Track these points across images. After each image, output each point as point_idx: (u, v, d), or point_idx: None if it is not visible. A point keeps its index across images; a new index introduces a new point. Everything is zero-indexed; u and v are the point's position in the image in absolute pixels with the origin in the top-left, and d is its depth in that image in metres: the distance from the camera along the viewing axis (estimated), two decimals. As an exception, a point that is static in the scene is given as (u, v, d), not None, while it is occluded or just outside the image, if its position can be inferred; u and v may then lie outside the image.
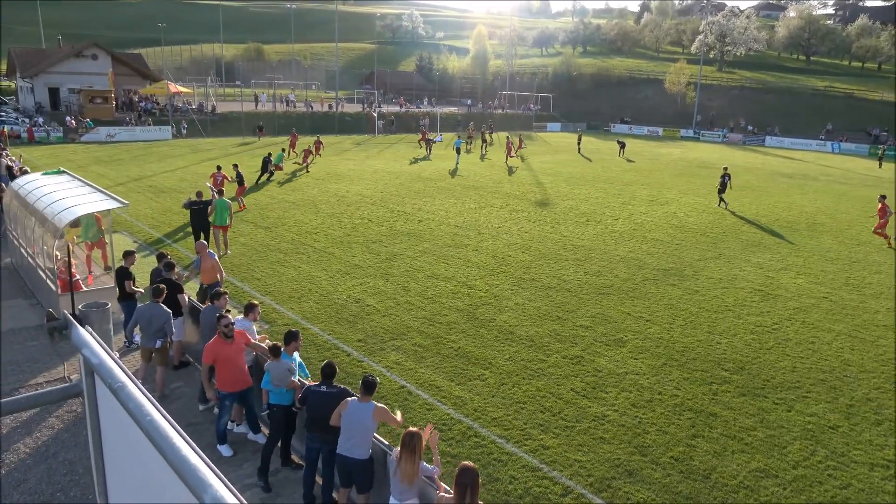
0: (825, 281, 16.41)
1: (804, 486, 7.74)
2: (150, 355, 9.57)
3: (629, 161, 43.72)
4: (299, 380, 7.70)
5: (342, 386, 7.03)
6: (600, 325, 12.76)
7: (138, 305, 10.21)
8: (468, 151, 45.90)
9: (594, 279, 15.73)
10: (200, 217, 16.25)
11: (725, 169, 27.10)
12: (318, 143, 37.82)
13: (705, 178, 35.68)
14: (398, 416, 6.73)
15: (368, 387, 6.52)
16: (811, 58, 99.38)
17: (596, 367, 10.82)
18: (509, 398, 9.67)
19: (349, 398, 6.60)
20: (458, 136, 41.14)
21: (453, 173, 33.67)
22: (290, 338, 7.83)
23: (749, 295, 14.99)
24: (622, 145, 47.44)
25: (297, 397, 7.40)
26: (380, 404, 6.53)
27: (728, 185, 26.38)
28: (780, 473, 7.99)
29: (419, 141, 41.40)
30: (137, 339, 11.52)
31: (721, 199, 26.45)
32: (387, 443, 6.66)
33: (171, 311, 9.59)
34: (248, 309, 8.81)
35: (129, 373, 2.00)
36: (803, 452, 8.47)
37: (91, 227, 14.78)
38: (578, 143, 50.13)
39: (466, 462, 5.37)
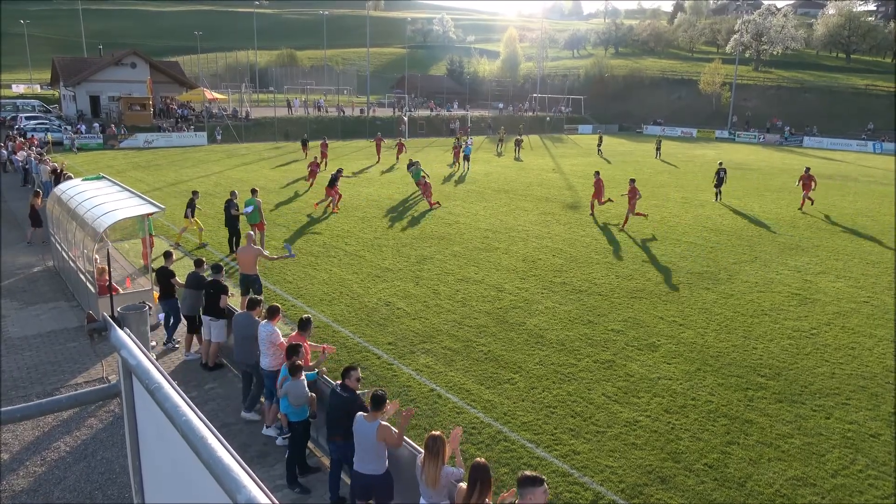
0: (866, 285, 15.96)
1: (843, 496, 7.54)
2: None
3: (675, 166, 43.10)
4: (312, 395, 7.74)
5: (358, 392, 7.03)
6: (632, 329, 12.61)
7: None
8: (499, 154, 45.82)
9: (626, 283, 15.56)
10: (226, 215, 17.31)
11: (720, 164, 29.11)
12: (324, 146, 35.94)
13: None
14: (398, 433, 6.51)
15: (376, 402, 6.38)
16: (851, 56, 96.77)
17: (628, 372, 10.69)
18: (539, 402, 9.62)
19: (359, 413, 6.60)
20: (469, 144, 37.65)
21: (459, 181, 32.20)
22: (292, 351, 7.73)
23: (786, 299, 14.65)
24: (659, 146, 46.94)
25: (314, 409, 7.69)
26: (384, 423, 6.39)
27: (724, 179, 27.82)
28: (818, 482, 7.80)
29: (375, 148, 37.30)
30: (175, 341, 11.78)
31: (717, 193, 27.79)
32: (416, 445, 6.68)
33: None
34: (272, 312, 8.63)
35: (166, 374, 2.05)
36: (843, 461, 8.25)
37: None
38: (599, 145, 49.28)
39: (479, 459, 5.42)
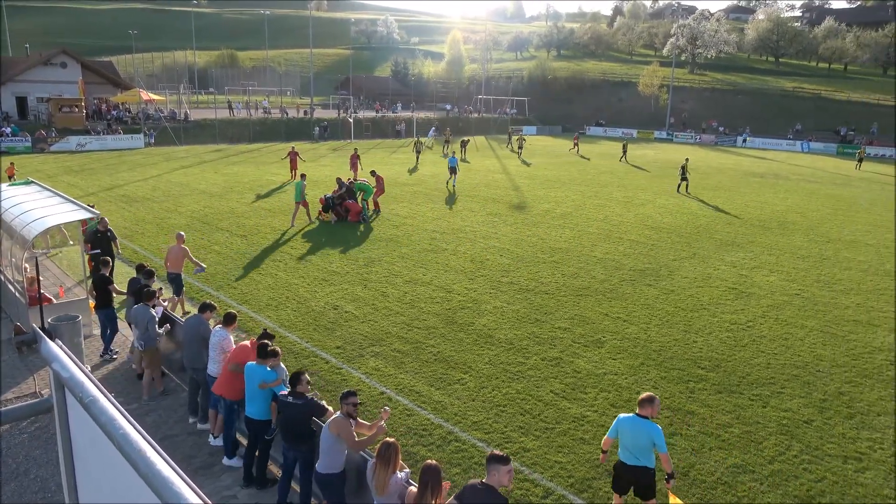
0: (797, 278, 16.71)
1: (780, 481, 7.87)
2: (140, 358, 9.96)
3: (644, 169, 44.06)
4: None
5: (309, 396, 6.95)
6: (578, 326, 12.85)
7: (135, 307, 9.95)
8: (445, 156, 45.90)
9: (571, 281, 15.84)
10: (102, 243, 14.34)
11: (686, 160, 32.82)
12: (354, 158, 31.02)
13: (678, 179, 36.08)
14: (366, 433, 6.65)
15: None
16: (780, 59, 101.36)
17: (575, 369, 10.89)
18: (489, 402, 9.69)
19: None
20: (454, 154, 34.15)
21: (450, 200, 31.47)
22: (268, 352, 7.66)
23: (723, 293, 15.20)
24: (625, 149, 46.80)
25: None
26: (337, 416, 6.41)
27: (684, 174, 30.82)
28: (756, 469, 8.11)
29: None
30: (138, 344, 11.31)
31: (679, 186, 30.93)
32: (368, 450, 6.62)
33: (154, 315, 9.70)
34: (229, 319, 8.58)
35: (101, 386, 1.97)
36: (779, 447, 8.61)
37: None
38: (519, 149, 48.77)
39: (429, 461, 5.41)
